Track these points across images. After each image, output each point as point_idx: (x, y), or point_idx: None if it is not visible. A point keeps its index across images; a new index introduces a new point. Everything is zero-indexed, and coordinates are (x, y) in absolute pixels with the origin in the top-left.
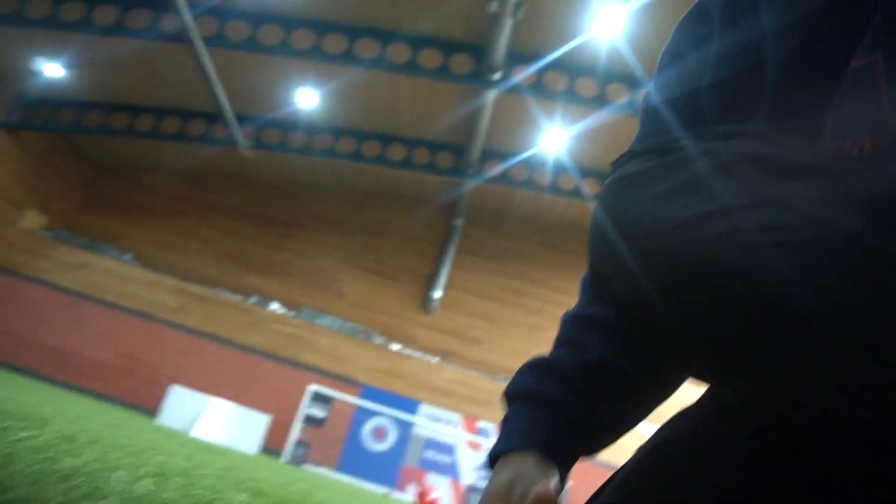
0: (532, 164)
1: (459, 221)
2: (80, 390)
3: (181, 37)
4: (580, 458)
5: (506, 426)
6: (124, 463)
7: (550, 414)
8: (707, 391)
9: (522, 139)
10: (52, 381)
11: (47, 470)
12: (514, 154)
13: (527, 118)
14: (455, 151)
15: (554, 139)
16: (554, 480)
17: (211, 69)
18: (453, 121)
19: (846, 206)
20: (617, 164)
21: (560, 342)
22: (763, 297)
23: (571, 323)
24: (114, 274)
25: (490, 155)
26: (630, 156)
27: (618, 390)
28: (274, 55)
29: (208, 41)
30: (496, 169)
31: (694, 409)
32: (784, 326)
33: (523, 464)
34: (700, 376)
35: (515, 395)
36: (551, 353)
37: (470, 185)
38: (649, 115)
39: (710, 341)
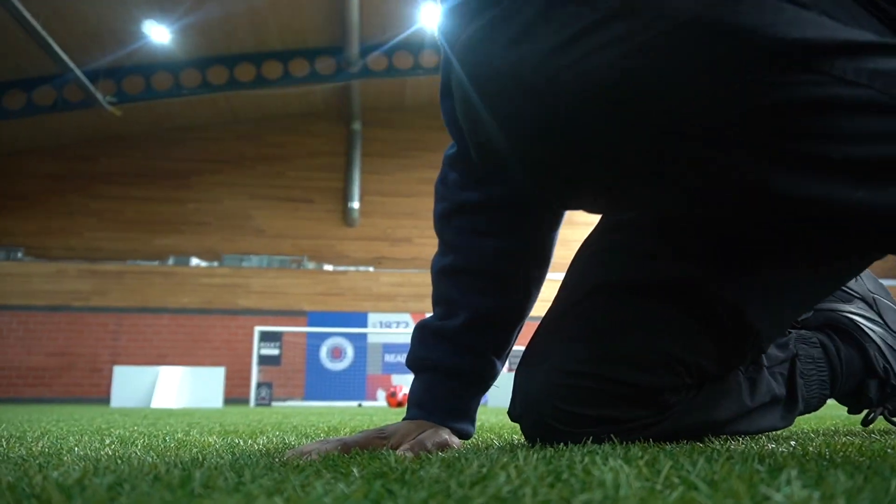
0: (415, 48)
1: (357, 126)
2: (19, 401)
3: None
4: (482, 396)
5: (412, 395)
6: (83, 441)
7: (445, 379)
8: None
9: (399, 23)
10: None
11: None
12: (394, 41)
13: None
14: (333, 53)
15: (431, 14)
16: (444, 440)
17: (33, 22)
18: (323, 20)
19: None
20: (456, 29)
21: (436, 302)
22: (646, 104)
23: (439, 278)
24: (10, 275)
25: (370, 48)
26: (470, 15)
27: (492, 329)
28: None
29: None
30: (380, 61)
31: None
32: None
33: (423, 426)
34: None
35: (415, 367)
36: (434, 316)
37: (357, 84)
38: None
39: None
